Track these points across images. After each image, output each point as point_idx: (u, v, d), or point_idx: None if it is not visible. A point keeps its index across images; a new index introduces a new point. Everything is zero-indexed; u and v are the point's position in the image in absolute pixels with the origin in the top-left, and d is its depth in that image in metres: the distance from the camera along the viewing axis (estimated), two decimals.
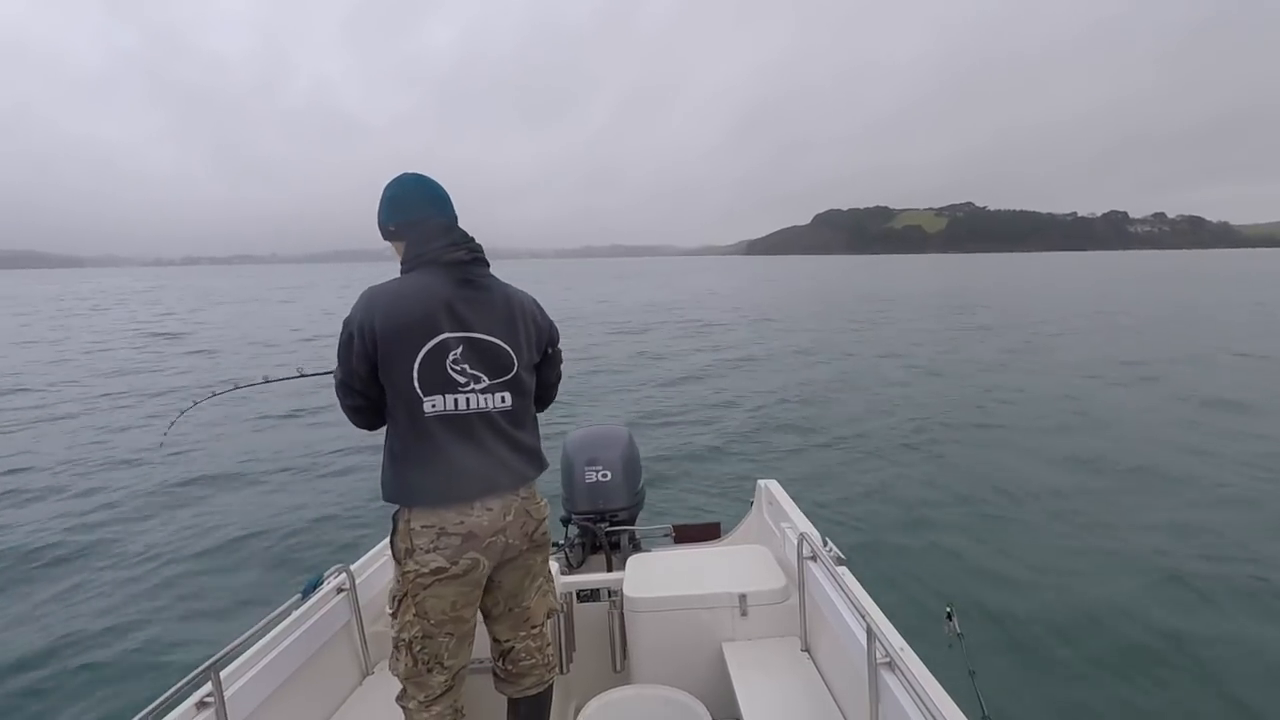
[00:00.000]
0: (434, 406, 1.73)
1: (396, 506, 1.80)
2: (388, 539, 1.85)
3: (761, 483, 3.14)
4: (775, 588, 2.42)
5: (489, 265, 1.87)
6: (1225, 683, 3.53)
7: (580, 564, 3.14)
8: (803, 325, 23.27)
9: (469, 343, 1.76)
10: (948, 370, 13.39)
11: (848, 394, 11.38)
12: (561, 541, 3.20)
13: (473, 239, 1.86)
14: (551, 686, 2.09)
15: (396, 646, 1.82)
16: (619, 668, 2.55)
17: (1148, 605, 4.28)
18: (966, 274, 73.99)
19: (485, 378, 1.78)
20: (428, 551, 1.72)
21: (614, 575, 2.62)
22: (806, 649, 2.32)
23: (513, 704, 2.05)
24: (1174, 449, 7.72)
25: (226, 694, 1.71)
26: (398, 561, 1.79)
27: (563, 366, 2.10)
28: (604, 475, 3.15)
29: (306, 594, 2.18)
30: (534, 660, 2.01)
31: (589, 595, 2.61)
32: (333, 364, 1.88)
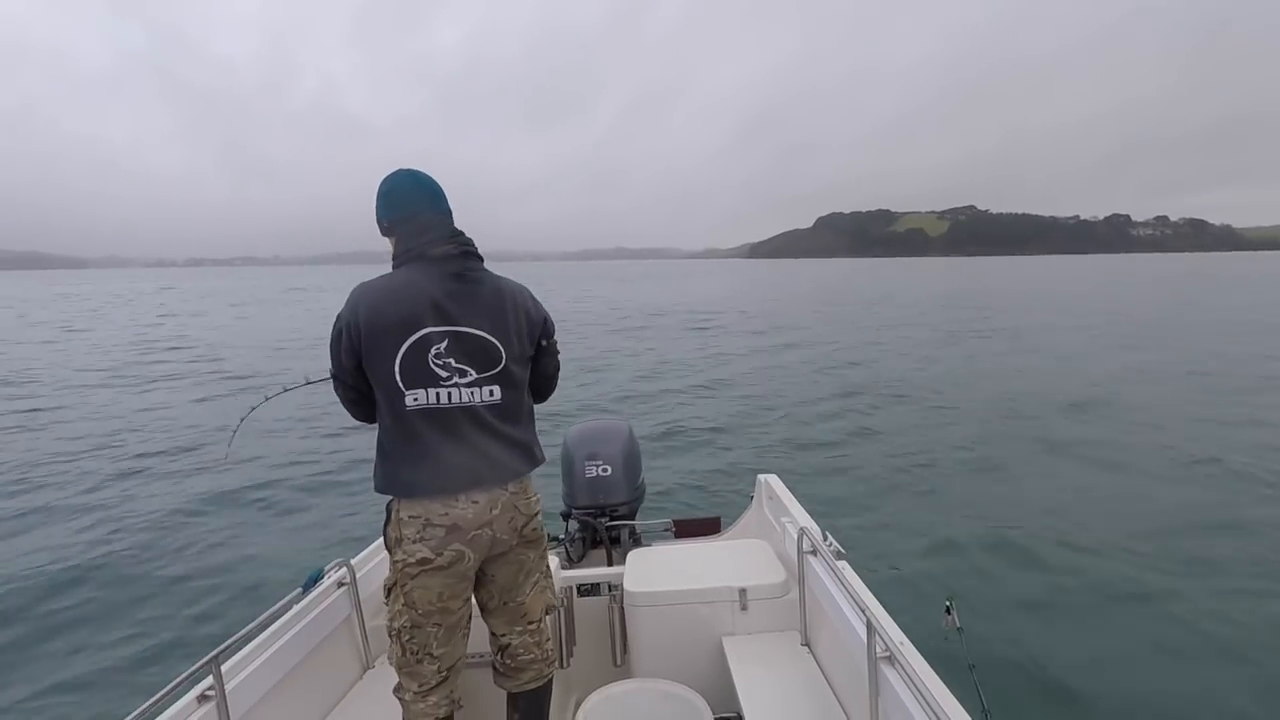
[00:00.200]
0: (415, 400, 1.74)
1: (390, 497, 1.82)
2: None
3: (762, 477, 3.15)
4: (775, 582, 2.42)
5: (482, 259, 1.88)
6: (1230, 674, 3.53)
7: (581, 559, 3.14)
8: (802, 324, 23.28)
9: (454, 336, 1.76)
10: (949, 368, 13.39)
11: (848, 390, 11.39)
12: (562, 536, 3.20)
13: (463, 233, 1.86)
14: (551, 681, 2.09)
15: (389, 636, 1.85)
16: (619, 662, 2.55)
17: (1149, 596, 4.28)
18: (971, 276, 73.93)
19: (472, 371, 1.78)
20: (414, 542, 1.74)
21: (614, 570, 2.63)
22: (806, 643, 2.32)
23: (512, 698, 2.05)
24: (1179, 440, 7.73)
25: (228, 687, 1.71)
26: (389, 550, 1.82)
27: (560, 357, 2.10)
28: (604, 470, 3.15)
29: (307, 587, 2.19)
30: (532, 655, 2.01)
31: (589, 590, 2.62)
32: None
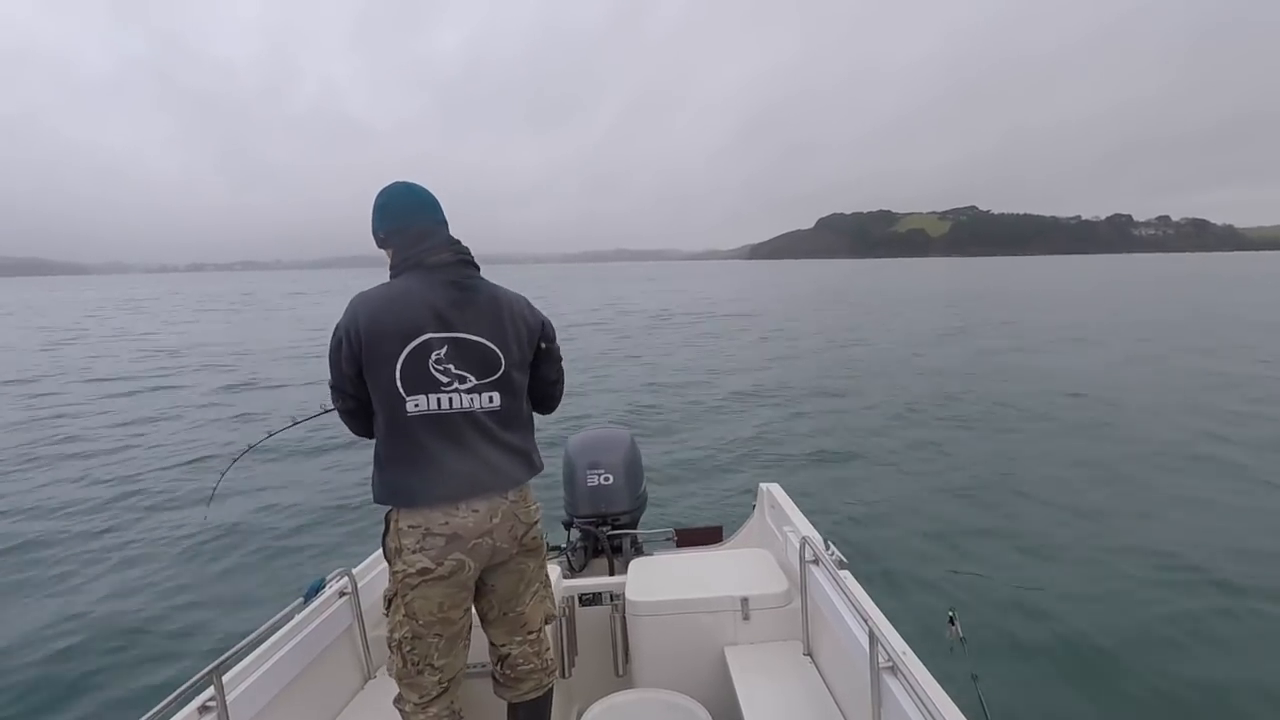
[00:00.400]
0: (416, 406, 1.74)
1: (388, 507, 1.81)
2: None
3: (764, 486, 3.14)
4: (777, 591, 2.42)
5: (478, 268, 1.89)
6: (1235, 688, 3.50)
7: (582, 568, 3.14)
8: (805, 329, 23.25)
9: (454, 343, 1.77)
10: (952, 374, 13.36)
11: (851, 397, 11.37)
12: (564, 545, 3.20)
13: (459, 242, 1.88)
14: (551, 691, 2.09)
15: (389, 647, 1.84)
16: (621, 671, 2.55)
17: (1154, 607, 4.26)
18: (974, 277, 73.85)
19: (472, 377, 1.79)
20: (414, 552, 1.74)
21: (616, 579, 2.63)
22: (809, 653, 2.31)
23: (512, 709, 2.05)
24: (1188, 449, 7.70)
25: (229, 698, 1.71)
26: (389, 561, 1.81)
27: (563, 364, 2.09)
28: (606, 479, 3.15)
29: (309, 597, 2.19)
30: (532, 666, 2.01)
31: (591, 599, 2.61)
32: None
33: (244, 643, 1.84)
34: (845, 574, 2.12)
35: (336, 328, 1.79)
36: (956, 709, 1.49)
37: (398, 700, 1.88)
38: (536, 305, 2.00)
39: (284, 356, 18.81)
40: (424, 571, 1.73)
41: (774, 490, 3.05)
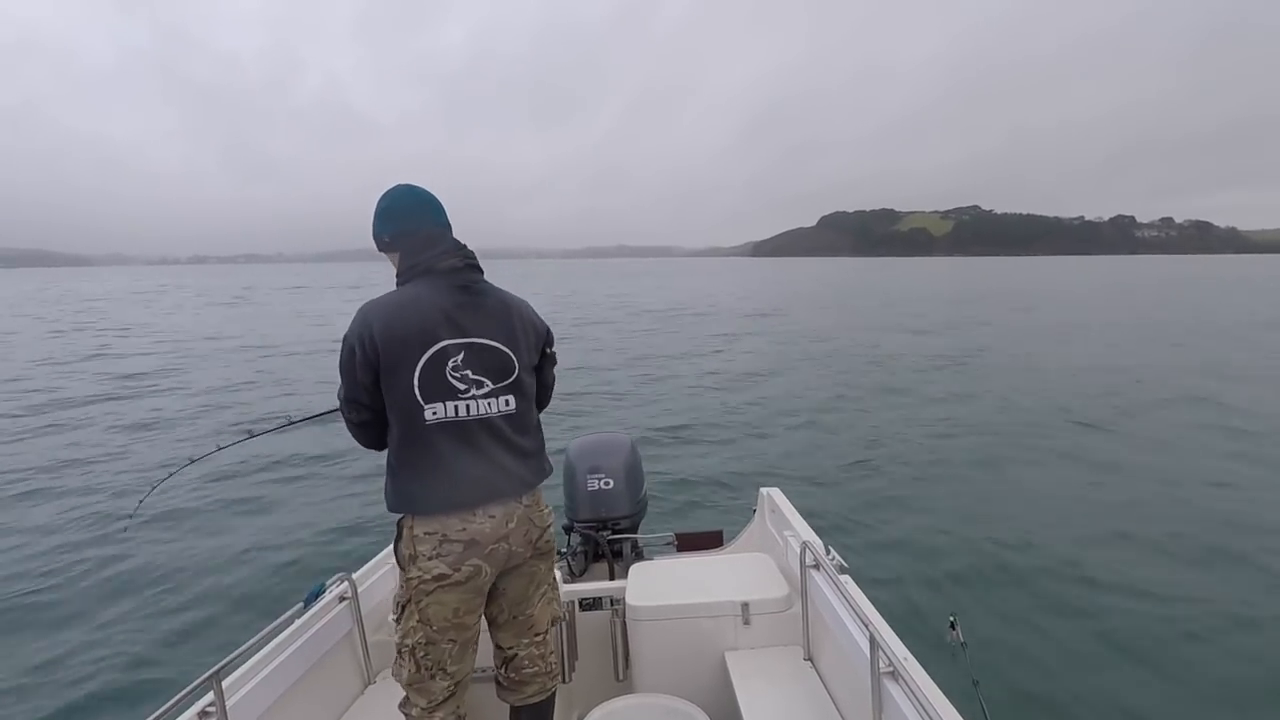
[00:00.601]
0: (435, 414, 1.73)
1: (400, 515, 1.81)
2: (390, 546, 1.86)
3: (764, 490, 3.13)
4: (778, 596, 2.41)
5: (483, 271, 1.89)
6: (1241, 695, 3.49)
7: (583, 572, 3.13)
8: (808, 330, 23.19)
9: (469, 348, 1.77)
10: (954, 377, 13.34)
11: (852, 401, 11.34)
12: (564, 550, 3.20)
13: (465, 246, 1.87)
14: (554, 695, 2.09)
15: (400, 652, 1.83)
16: (621, 677, 2.55)
17: (1156, 613, 4.24)
18: (977, 277, 73.72)
19: (488, 382, 1.79)
20: (430, 558, 1.73)
21: (616, 584, 2.62)
22: (809, 658, 2.31)
23: (515, 712, 2.05)
24: (1195, 454, 7.68)
25: (228, 703, 1.71)
26: (401, 568, 1.80)
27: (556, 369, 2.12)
28: (606, 483, 3.15)
29: (308, 602, 2.19)
30: (536, 668, 2.01)
31: (591, 604, 2.61)
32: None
33: (244, 648, 1.84)
34: (846, 579, 2.11)
35: (346, 337, 1.77)
36: (958, 714, 1.49)
37: (403, 704, 1.87)
38: (544, 302, 2.00)
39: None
40: (440, 578, 1.73)
41: (774, 495, 3.04)
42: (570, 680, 2.50)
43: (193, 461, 2.73)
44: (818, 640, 2.29)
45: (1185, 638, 3.98)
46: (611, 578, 3.02)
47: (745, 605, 2.37)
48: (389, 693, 2.16)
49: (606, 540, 3.11)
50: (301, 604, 2.16)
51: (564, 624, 2.43)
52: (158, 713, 1.52)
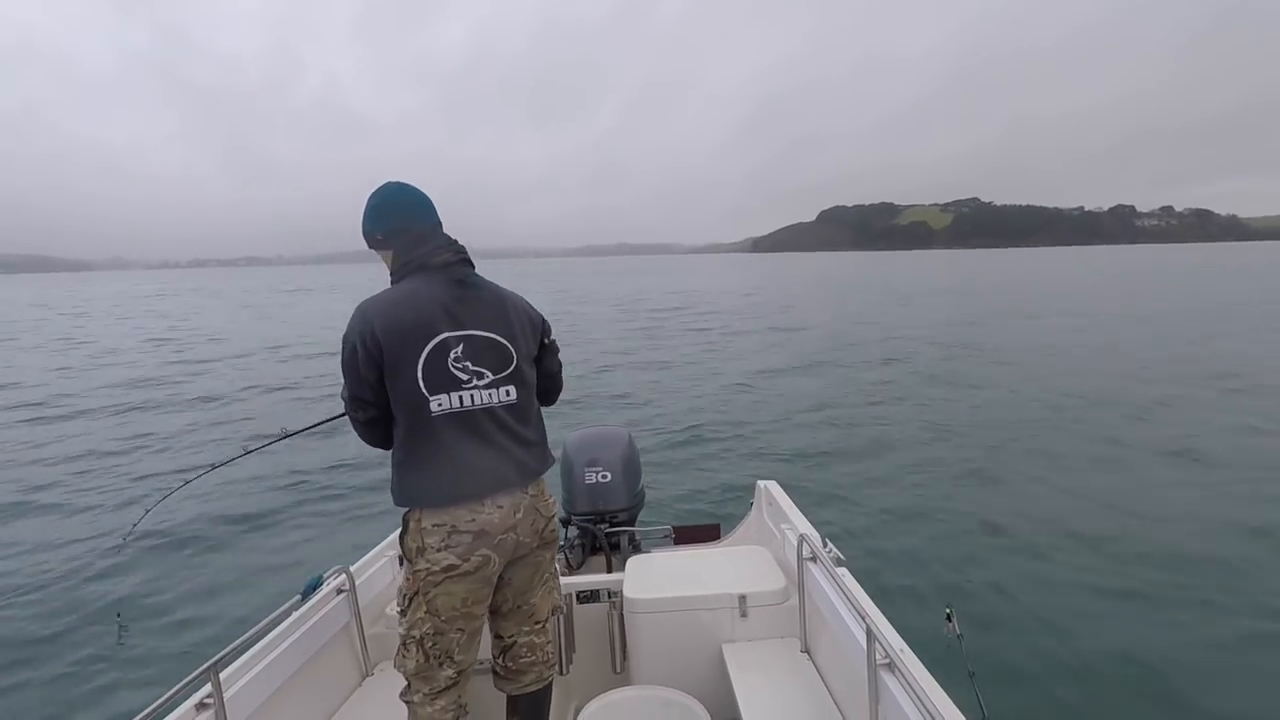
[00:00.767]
0: (440, 406, 1.75)
1: (406, 508, 1.82)
2: (394, 537, 1.86)
3: (761, 484, 3.14)
4: (775, 589, 2.41)
5: (474, 266, 1.91)
6: (1229, 688, 3.48)
7: (580, 565, 3.14)
8: (804, 323, 23.17)
9: (468, 340, 1.79)
10: (949, 371, 13.32)
11: (850, 395, 11.33)
12: (561, 543, 3.20)
13: (456, 241, 1.89)
14: (551, 684, 2.10)
15: (405, 644, 1.83)
16: (619, 669, 2.55)
17: (1152, 607, 4.24)
18: (980, 270, 73.61)
19: (489, 373, 1.81)
20: (439, 550, 1.74)
21: (614, 576, 2.62)
22: (806, 650, 2.32)
23: (512, 701, 2.06)
24: (1192, 445, 7.66)
25: (226, 695, 1.72)
26: (409, 560, 1.80)
27: (561, 356, 2.13)
28: (604, 476, 3.15)
29: (306, 595, 2.19)
30: (534, 657, 2.02)
31: (589, 596, 2.61)
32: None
33: (241, 639, 1.84)
34: (843, 571, 2.12)
35: (346, 336, 1.78)
36: (954, 705, 1.49)
37: (405, 692, 1.88)
38: (546, 301, 2.01)
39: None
40: (449, 569, 1.74)
41: (771, 488, 3.04)
42: (568, 673, 2.51)
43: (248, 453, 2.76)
44: (815, 632, 2.29)
45: (1184, 633, 3.96)
46: (609, 570, 3.02)
47: (742, 598, 2.38)
48: (387, 684, 2.17)
49: (604, 533, 3.12)
50: (299, 596, 2.16)
51: (562, 616, 2.44)
52: (155, 704, 1.53)
